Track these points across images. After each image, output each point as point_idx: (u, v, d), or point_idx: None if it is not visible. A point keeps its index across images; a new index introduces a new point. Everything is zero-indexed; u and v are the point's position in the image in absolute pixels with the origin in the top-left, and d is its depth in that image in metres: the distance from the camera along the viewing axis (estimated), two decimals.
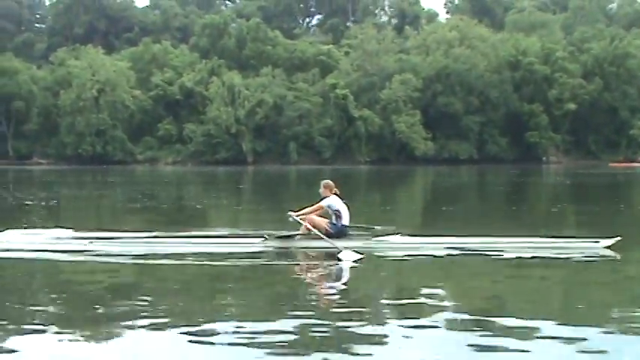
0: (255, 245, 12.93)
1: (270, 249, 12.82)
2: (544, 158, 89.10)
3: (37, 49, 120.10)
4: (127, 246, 12.85)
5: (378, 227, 13.96)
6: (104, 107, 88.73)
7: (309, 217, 13.00)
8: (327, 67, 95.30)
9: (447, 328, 7.30)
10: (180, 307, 8.34)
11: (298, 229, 13.18)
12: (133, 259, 11.87)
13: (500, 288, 9.89)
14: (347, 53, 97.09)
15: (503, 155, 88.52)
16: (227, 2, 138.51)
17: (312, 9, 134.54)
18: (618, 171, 62.98)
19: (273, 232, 13.31)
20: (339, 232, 13.03)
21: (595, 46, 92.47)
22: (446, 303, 8.59)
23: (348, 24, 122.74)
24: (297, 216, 13.16)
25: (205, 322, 7.49)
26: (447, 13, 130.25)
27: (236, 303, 8.73)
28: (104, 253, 12.32)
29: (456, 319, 7.65)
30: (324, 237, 12.66)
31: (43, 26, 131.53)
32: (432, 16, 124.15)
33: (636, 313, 7.87)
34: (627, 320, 7.61)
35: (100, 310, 8.20)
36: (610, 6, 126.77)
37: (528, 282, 10.32)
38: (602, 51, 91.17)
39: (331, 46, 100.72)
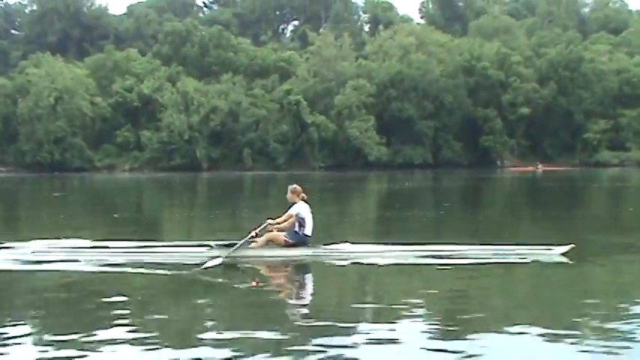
0: (201, 255, 12.69)
1: (217, 259, 12.51)
2: (498, 162, 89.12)
3: (13, 57, 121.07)
4: (68, 255, 12.83)
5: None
6: (62, 115, 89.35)
7: (266, 236, 12.91)
8: (287, 73, 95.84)
9: (404, 335, 7.53)
10: (122, 319, 8.33)
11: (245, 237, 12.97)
12: (85, 268, 11.94)
13: (451, 295, 9.86)
14: (308, 59, 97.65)
15: (459, 160, 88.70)
16: (204, 9, 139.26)
17: (287, 16, 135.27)
18: (517, 175, 63.92)
19: (219, 242, 13.10)
20: (300, 241, 12.91)
21: (551, 51, 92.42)
22: (398, 311, 8.68)
23: (321, 30, 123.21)
24: (269, 224, 13.01)
25: (149, 333, 7.65)
26: (422, 18, 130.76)
27: (174, 315, 8.76)
28: (52, 262, 12.37)
29: (411, 326, 7.94)
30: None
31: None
32: (407, 22, 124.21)
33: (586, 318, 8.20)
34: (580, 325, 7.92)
35: (44, 322, 8.36)
36: (584, 10, 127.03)
37: (479, 290, 10.31)
38: (558, 55, 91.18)
39: (292, 52, 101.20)
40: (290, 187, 13.43)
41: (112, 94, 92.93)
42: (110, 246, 13.60)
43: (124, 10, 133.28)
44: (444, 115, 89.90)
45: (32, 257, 12.79)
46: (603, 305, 9.01)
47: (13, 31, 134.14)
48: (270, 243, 12.91)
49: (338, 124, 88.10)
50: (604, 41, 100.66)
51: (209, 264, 11.82)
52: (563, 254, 12.28)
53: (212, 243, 12.98)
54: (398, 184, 51.25)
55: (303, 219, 12.97)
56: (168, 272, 11.49)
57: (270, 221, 13.01)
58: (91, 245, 13.78)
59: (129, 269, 11.73)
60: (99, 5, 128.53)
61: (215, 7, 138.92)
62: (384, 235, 15.49)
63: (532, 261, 12.05)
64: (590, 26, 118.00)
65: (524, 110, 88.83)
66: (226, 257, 12.39)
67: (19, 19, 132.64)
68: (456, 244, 13.00)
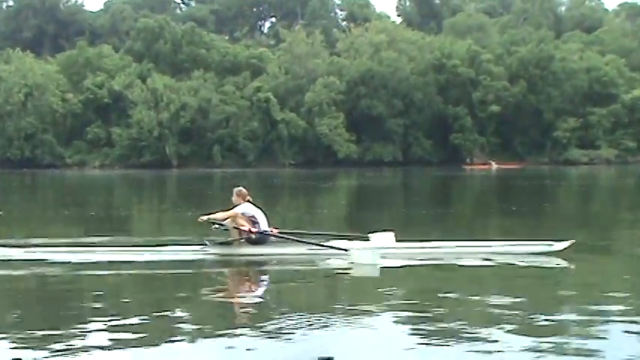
0: (196, 252, 12.69)
1: (211, 256, 12.64)
2: (467, 160, 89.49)
3: None
4: (62, 254, 12.53)
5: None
6: (32, 111, 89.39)
7: (232, 217, 12.71)
8: (259, 70, 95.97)
9: (394, 333, 7.60)
10: (126, 319, 8.21)
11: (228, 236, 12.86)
12: (69, 267, 11.70)
13: (451, 292, 9.62)
14: (280, 57, 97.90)
15: (429, 157, 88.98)
16: (181, 5, 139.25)
17: (264, 13, 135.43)
18: (475, 173, 64.29)
19: (214, 239, 13.02)
20: (260, 239, 12.80)
21: (522, 49, 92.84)
22: (392, 308, 8.67)
23: (296, 27, 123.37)
24: (208, 219, 12.85)
25: (156, 334, 7.57)
26: (399, 16, 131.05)
27: (183, 314, 8.65)
28: (40, 261, 12.14)
29: (402, 320, 8.04)
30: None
31: None
32: (384, 19, 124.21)
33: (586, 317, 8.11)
34: (579, 323, 7.85)
35: (41, 322, 8.19)
36: (560, 8, 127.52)
37: (475, 287, 10.17)
38: (528, 53, 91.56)
39: (264, 49, 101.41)
40: (235, 189, 13.32)
41: (84, 91, 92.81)
42: (100, 244, 13.66)
43: (100, 7, 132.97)
44: (414, 112, 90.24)
45: (23, 255, 12.60)
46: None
47: None
48: (239, 224, 12.70)
49: (308, 121, 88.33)
50: (576, 40, 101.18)
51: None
52: (562, 250, 12.24)
53: (207, 241, 12.91)
54: (383, 180, 51.65)
55: (253, 216, 12.82)
56: (165, 271, 11.46)
57: (203, 217, 12.91)
58: (77, 243, 13.67)
59: (122, 269, 11.63)
60: (74, 1, 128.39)
61: (192, 3, 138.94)
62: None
63: (529, 257, 12.03)
64: (566, 24, 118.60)
65: (495, 108, 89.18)
66: (213, 255, 12.76)
67: None
68: (445, 240, 12.97)
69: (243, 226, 12.63)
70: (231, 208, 12.91)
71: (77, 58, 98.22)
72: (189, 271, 11.61)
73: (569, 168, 77.63)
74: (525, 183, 45.96)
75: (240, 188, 13.30)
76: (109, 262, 12.03)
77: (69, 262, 11.96)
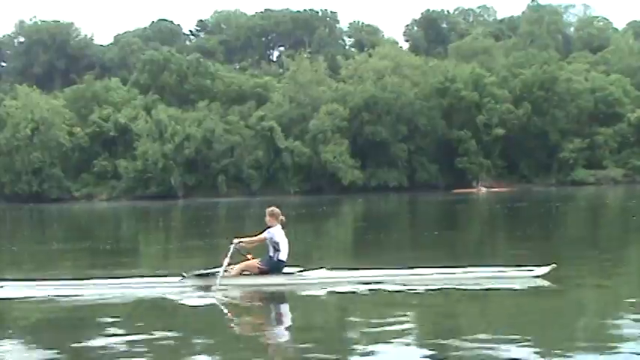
0: (173, 285, 12.53)
1: (189, 289, 12.40)
2: (474, 183, 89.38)
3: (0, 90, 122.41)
4: (39, 290, 12.63)
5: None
6: (39, 145, 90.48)
7: (242, 265, 12.62)
8: (264, 99, 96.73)
9: None
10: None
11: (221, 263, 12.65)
12: (42, 301, 11.80)
13: (435, 320, 9.84)
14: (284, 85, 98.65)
15: (434, 182, 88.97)
16: (191, 37, 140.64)
17: (273, 42, 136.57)
18: (463, 197, 64.20)
19: (192, 271, 12.81)
20: (274, 268, 12.58)
21: (526, 72, 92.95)
22: (377, 340, 8.51)
23: (305, 55, 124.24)
24: (238, 243, 12.76)
25: None
26: (407, 41, 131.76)
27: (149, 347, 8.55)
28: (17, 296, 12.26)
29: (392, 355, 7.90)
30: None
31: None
32: (391, 45, 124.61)
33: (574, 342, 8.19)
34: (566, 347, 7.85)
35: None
36: (569, 29, 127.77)
37: (462, 314, 10.27)
38: (532, 76, 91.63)
39: (270, 78, 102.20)
40: (268, 209, 13.03)
41: (90, 124, 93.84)
42: (79, 278, 13.55)
43: (110, 40, 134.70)
44: (419, 137, 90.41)
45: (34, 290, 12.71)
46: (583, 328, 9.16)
47: (2, 64, 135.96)
48: (246, 272, 12.62)
49: (313, 149, 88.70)
50: (582, 60, 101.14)
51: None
52: (543, 275, 12.11)
53: (184, 273, 12.68)
54: (389, 206, 51.72)
55: (277, 243, 12.55)
56: (141, 303, 11.46)
57: (235, 240, 12.77)
58: (60, 278, 13.70)
59: (99, 302, 11.64)
60: (84, 36, 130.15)
61: (202, 34, 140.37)
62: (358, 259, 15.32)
63: (512, 283, 11.93)
64: (575, 45, 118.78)
65: (499, 131, 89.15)
66: (192, 286, 12.41)
67: (7, 52, 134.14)
68: (432, 267, 12.76)
69: (247, 270, 12.66)
70: (263, 231, 12.80)
71: (84, 92, 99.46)
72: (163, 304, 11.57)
73: (575, 189, 77.44)
74: (514, 205, 45.92)
75: (273, 208, 13.04)
76: (87, 297, 12.12)
77: (78, 296, 12.12)
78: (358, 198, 72.72)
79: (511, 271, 12.39)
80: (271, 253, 12.58)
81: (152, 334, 9.05)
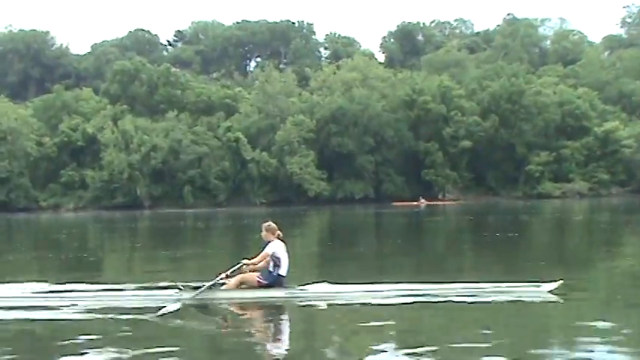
0: (169, 297, 12.32)
1: (185, 301, 12.17)
2: (440, 196, 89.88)
3: None
4: (24, 301, 12.45)
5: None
6: (6, 155, 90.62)
7: (238, 278, 12.44)
8: (233, 110, 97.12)
9: None
10: None
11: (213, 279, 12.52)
12: (31, 312, 11.66)
13: (439, 336, 9.70)
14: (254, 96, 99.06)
15: (401, 194, 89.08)
16: (168, 47, 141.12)
17: (250, 53, 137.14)
18: (404, 210, 64.16)
19: (188, 284, 12.65)
20: (274, 282, 12.41)
21: (494, 84, 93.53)
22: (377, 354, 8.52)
23: (281, 66, 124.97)
24: (245, 264, 12.58)
25: None
26: (383, 53, 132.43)
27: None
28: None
29: None
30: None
31: None
32: (368, 56, 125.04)
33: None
34: None
35: None
36: (545, 42, 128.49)
37: (468, 329, 10.05)
38: (500, 88, 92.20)
39: (240, 89, 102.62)
40: (264, 224, 12.82)
41: (59, 134, 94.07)
42: (72, 290, 13.28)
43: (88, 49, 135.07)
44: (385, 149, 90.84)
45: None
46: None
47: None
48: (243, 285, 12.45)
49: (279, 160, 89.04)
50: (552, 73, 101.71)
51: (167, 309, 11.43)
52: (551, 291, 12.03)
53: (180, 285, 12.52)
54: (355, 218, 51.83)
55: (278, 258, 12.44)
56: (136, 316, 11.19)
57: (245, 261, 12.55)
58: (50, 290, 13.39)
59: (94, 314, 11.42)
60: (60, 45, 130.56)
61: (179, 44, 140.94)
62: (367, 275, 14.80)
63: (519, 298, 11.86)
64: (550, 58, 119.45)
65: (466, 143, 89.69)
66: (188, 300, 12.15)
67: None
68: (439, 282, 12.67)
69: (246, 284, 12.48)
70: (264, 247, 12.66)
71: (54, 101, 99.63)
72: (148, 317, 11.26)
73: (539, 202, 77.78)
74: (432, 219, 46.33)
75: (270, 223, 12.83)
76: (85, 308, 11.91)
77: (46, 307, 11.99)
78: (324, 209, 72.95)
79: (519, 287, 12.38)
80: (271, 268, 12.45)
81: (147, 347, 9.01)
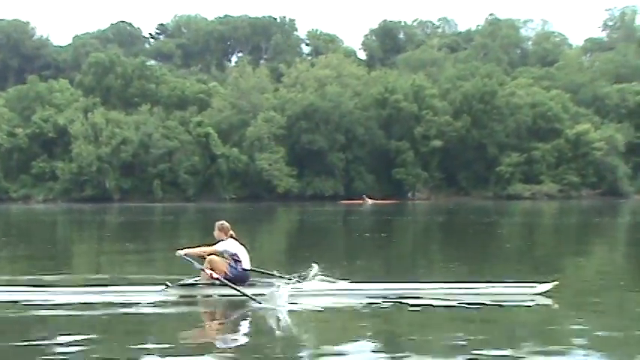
0: (155, 294, 12.10)
1: (172, 298, 11.99)
2: (409, 194, 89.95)
3: None
4: (15, 295, 12.19)
5: (276, 272, 12.92)
6: None
7: (208, 259, 12.25)
8: (206, 105, 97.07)
9: None
10: None
11: (199, 276, 12.40)
12: (21, 308, 11.38)
13: (433, 336, 9.57)
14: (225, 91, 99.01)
15: (371, 192, 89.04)
16: (151, 40, 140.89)
17: (231, 47, 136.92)
18: (352, 208, 64.35)
19: (176, 280, 12.52)
20: (239, 277, 12.19)
21: (466, 84, 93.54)
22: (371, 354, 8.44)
23: (261, 62, 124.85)
24: (185, 254, 12.41)
25: None
26: (364, 51, 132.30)
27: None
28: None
29: None
30: (234, 286, 11.90)
31: None
32: (350, 53, 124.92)
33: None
34: None
35: None
36: (527, 42, 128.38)
37: (458, 330, 9.75)
38: (472, 88, 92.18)
39: (215, 84, 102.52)
40: (217, 223, 12.70)
41: (31, 125, 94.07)
42: (58, 285, 13.19)
43: (69, 41, 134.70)
44: (356, 147, 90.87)
45: None
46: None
47: None
48: (213, 268, 12.16)
49: (250, 156, 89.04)
50: (527, 75, 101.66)
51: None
52: (545, 292, 11.83)
53: (168, 282, 12.32)
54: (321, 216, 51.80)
55: (235, 254, 12.31)
56: (122, 312, 11.04)
57: (179, 252, 12.46)
58: (32, 284, 13.14)
59: (79, 311, 11.18)
60: (40, 36, 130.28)
61: (162, 37, 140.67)
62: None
63: (513, 299, 11.66)
64: (529, 59, 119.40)
65: (437, 143, 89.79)
66: (174, 297, 12.11)
67: None
68: (427, 282, 12.56)
69: (216, 270, 12.17)
70: (214, 244, 12.53)
71: (28, 92, 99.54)
72: (146, 312, 11.18)
73: (507, 203, 77.50)
74: (394, 218, 46.39)
75: (223, 222, 12.69)
76: (65, 303, 11.61)
77: (17, 302, 11.72)
78: (294, 206, 72.90)
79: (512, 288, 12.16)
80: (233, 264, 12.27)
81: (134, 344, 8.96)
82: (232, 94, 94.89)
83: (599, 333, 9.50)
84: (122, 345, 9.00)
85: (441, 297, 11.63)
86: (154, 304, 11.58)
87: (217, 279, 12.04)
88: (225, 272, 12.13)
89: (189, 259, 12.38)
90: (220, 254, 12.35)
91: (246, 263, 12.36)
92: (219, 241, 12.52)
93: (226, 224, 12.60)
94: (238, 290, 11.77)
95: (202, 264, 12.30)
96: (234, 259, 12.28)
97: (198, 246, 12.83)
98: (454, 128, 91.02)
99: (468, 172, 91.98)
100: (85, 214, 56.81)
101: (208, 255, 12.31)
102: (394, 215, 50.31)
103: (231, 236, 12.58)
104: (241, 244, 12.62)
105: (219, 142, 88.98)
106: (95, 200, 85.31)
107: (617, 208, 60.57)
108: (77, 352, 8.42)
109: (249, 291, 11.81)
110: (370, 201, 78.72)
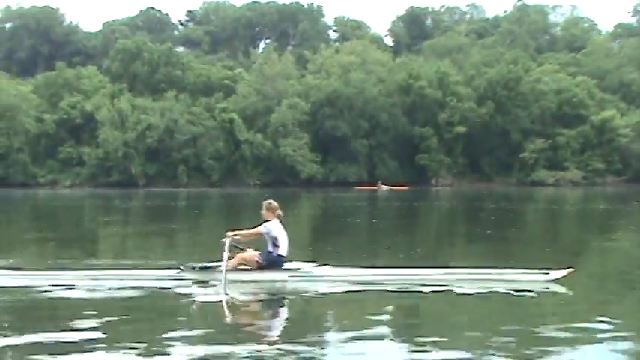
0: (170, 277, 12.18)
1: (187, 281, 12.00)
2: (433, 181, 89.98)
3: None
4: (34, 279, 12.33)
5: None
6: (5, 131, 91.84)
7: (240, 257, 12.19)
8: (232, 91, 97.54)
9: None
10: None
11: (221, 258, 12.03)
12: (38, 292, 11.42)
13: (442, 321, 9.72)
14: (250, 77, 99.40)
15: (394, 178, 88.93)
16: (180, 27, 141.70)
17: (259, 34, 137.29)
18: (363, 194, 64.33)
19: (190, 264, 12.47)
20: (273, 263, 12.11)
21: (491, 70, 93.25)
22: (376, 337, 8.44)
23: (289, 48, 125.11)
24: (233, 235, 12.24)
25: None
26: (392, 37, 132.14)
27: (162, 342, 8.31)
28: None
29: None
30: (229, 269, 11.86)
31: None
32: (377, 40, 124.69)
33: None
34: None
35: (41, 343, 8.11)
36: (557, 29, 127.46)
37: (468, 315, 9.95)
38: (497, 75, 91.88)
39: (240, 70, 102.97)
40: (265, 202, 12.49)
41: (58, 111, 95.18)
42: (70, 268, 13.29)
43: (99, 27, 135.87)
44: (380, 133, 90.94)
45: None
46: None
47: None
48: (243, 264, 12.19)
49: (274, 142, 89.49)
50: (553, 60, 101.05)
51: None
52: (560, 279, 11.61)
53: (182, 265, 12.37)
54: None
55: (275, 238, 12.11)
56: (137, 295, 11.13)
57: (229, 233, 12.23)
58: (49, 267, 13.42)
59: (96, 294, 11.29)
60: (70, 22, 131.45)
61: (190, 24, 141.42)
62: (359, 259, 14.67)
63: (524, 287, 11.40)
64: (558, 45, 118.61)
65: (461, 129, 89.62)
66: (190, 280, 12.13)
67: None
68: (441, 267, 12.50)
69: (247, 262, 12.24)
70: (260, 225, 12.34)
71: (56, 78, 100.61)
72: (161, 295, 11.33)
73: (532, 189, 77.44)
74: (409, 204, 46.61)
75: (270, 201, 12.48)
76: (86, 287, 11.73)
77: (43, 287, 11.76)
78: (317, 192, 73.25)
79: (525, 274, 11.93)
80: (270, 249, 12.13)
81: (147, 327, 9.16)
82: (257, 81, 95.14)
83: (609, 320, 9.16)
84: (144, 329, 9.06)
85: (449, 283, 11.50)
86: (170, 288, 11.65)
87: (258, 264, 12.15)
88: (256, 262, 12.13)
89: (226, 248, 12.04)
90: (263, 235, 12.23)
91: (283, 249, 12.16)
92: (265, 221, 12.30)
93: (274, 203, 12.39)
94: (223, 273, 11.66)
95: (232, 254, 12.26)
96: (273, 243, 12.13)
97: (243, 229, 12.65)
98: (478, 114, 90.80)
99: (492, 159, 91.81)
100: (111, 200, 57.48)
101: (252, 235, 12.31)
102: (417, 201, 50.51)
103: (278, 216, 12.36)
104: (284, 227, 12.45)
105: (243, 128, 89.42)
106: (121, 186, 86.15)
107: None
108: (98, 337, 8.37)
109: (260, 275, 12.04)
110: (385, 187, 78.47)
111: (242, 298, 11.40)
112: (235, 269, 12.06)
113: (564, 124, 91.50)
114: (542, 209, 41.38)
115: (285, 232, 12.28)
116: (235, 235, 12.20)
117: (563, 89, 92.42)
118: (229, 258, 11.94)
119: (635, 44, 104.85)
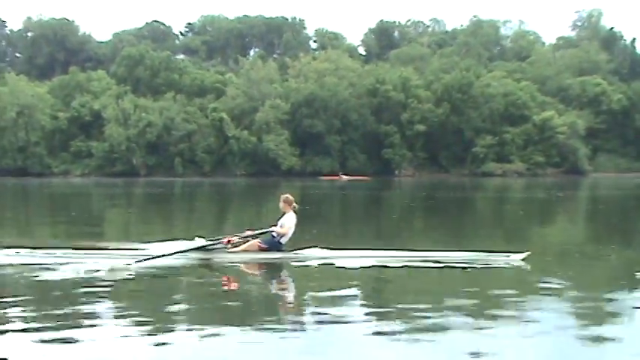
0: (177, 258, 11.61)
1: (192, 261, 11.56)
2: (396, 172, 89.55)
3: None
4: (55, 258, 11.58)
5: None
6: (23, 127, 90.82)
7: (245, 246, 11.82)
8: (222, 93, 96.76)
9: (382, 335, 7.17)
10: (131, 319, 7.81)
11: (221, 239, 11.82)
12: (42, 270, 10.82)
13: (424, 297, 9.21)
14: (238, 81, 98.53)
15: (363, 169, 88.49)
16: (180, 36, 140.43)
17: (249, 44, 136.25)
18: (325, 184, 63.72)
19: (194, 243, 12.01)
20: (274, 247, 11.80)
21: (447, 76, 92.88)
22: (366, 310, 8.35)
23: (274, 56, 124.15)
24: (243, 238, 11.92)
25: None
26: (364, 47, 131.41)
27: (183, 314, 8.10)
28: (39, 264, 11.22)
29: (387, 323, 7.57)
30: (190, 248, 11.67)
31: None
32: (351, 49, 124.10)
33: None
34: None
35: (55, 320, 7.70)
36: (507, 40, 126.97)
37: (431, 286, 9.92)
38: (452, 80, 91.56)
39: (231, 75, 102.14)
40: (282, 196, 12.13)
41: (70, 110, 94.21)
42: (88, 248, 12.68)
43: (109, 37, 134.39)
44: (351, 130, 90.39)
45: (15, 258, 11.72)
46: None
47: (17, 55, 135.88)
48: (248, 249, 11.87)
49: (258, 138, 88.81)
50: (501, 68, 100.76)
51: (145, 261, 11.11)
52: (522, 260, 11.39)
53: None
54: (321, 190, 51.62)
55: (290, 227, 11.98)
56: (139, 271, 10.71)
57: (249, 232, 11.99)
58: (70, 246, 12.66)
59: (101, 272, 10.69)
60: (83, 32, 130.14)
61: (190, 35, 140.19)
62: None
63: (493, 266, 11.19)
64: (507, 55, 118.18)
65: (421, 127, 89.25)
66: (192, 258, 11.61)
67: (18, 45, 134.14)
68: (423, 250, 12.02)
69: (253, 248, 11.85)
70: (281, 217, 12.02)
71: (69, 81, 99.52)
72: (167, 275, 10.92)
73: (481, 179, 77.18)
74: (367, 193, 46.09)
75: (287, 195, 12.13)
76: (91, 268, 11.02)
77: (53, 263, 11.21)
78: (295, 181, 72.57)
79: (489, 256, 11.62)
80: (275, 235, 11.84)
81: (151, 301, 8.84)
82: (245, 84, 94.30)
83: (572, 294, 9.24)
84: (147, 306, 8.62)
85: (414, 264, 11.24)
86: (169, 268, 11.22)
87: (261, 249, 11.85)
88: (258, 246, 11.80)
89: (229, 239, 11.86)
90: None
91: (285, 239, 11.90)
92: (284, 213, 12.00)
93: (290, 197, 12.07)
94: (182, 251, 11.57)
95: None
96: (279, 234, 11.87)
97: (273, 225, 12.09)
98: (436, 114, 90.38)
99: (448, 153, 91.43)
100: (116, 187, 56.74)
101: (284, 232, 11.91)
102: (380, 190, 50.01)
103: (294, 208, 12.03)
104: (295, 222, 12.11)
105: (232, 125, 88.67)
106: (124, 175, 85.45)
107: (577, 185, 60.50)
108: (106, 314, 8.06)
109: (259, 256, 11.76)
110: (345, 177, 77.90)
111: (237, 273, 11.06)
112: (242, 251, 11.83)
113: (510, 123, 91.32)
114: (491, 197, 41.06)
115: (294, 226, 11.98)
116: (255, 235, 12.01)
117: (510, 93, 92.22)
118: (238, 245, 11.82)
119: (573, 54, 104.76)
